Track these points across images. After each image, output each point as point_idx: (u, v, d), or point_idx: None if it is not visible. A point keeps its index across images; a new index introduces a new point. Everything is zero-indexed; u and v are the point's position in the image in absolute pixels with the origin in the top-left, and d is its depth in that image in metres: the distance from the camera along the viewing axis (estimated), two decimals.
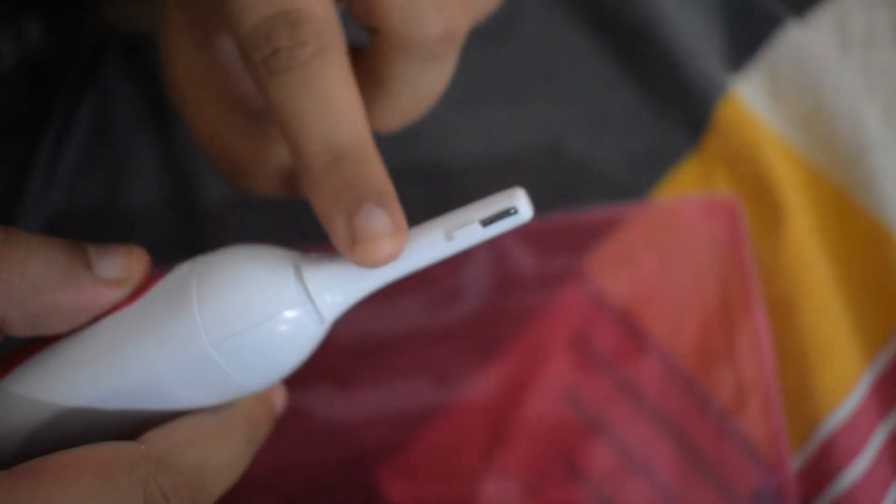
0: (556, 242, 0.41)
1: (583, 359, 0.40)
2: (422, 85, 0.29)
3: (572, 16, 0.44)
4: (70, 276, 0.25)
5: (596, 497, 0.39)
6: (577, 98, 0.43)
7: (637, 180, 0.42)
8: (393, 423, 0.40)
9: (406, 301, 0.41)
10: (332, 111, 0.25)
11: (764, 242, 0.41)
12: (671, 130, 0.43)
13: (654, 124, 0.43)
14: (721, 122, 0.42)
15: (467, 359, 0.40)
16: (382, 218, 0.24)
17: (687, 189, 0.42)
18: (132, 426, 0.26)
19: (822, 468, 0.38)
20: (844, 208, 0.41)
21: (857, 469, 0.37)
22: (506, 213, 0.25)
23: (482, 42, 0.41)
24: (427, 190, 0.42)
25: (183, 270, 0.26)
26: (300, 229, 0.42)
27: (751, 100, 0.42)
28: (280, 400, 0.29)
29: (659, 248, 0.41)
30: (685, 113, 0.42)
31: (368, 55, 0.29)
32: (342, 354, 0.40)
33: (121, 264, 0.26)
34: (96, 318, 0.26)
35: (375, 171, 0.25)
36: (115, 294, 0.26)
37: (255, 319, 0.25)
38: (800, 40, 0.42)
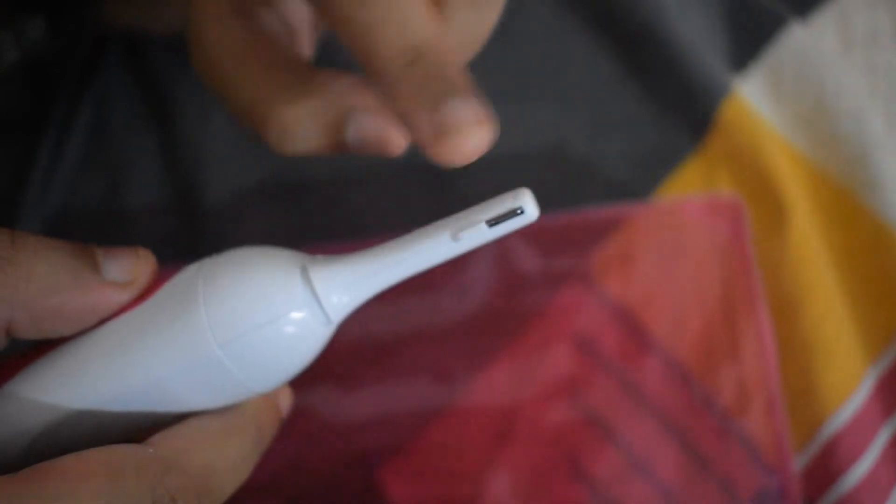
0: (559, 242, 0.41)
1: (586, 359, 0.40)
2: (470, 26, 0.29)
3: (575, 16, 0.44)
4: (77, 278, 0.25)
5: (599, 497, 0.39)
6: (581, 98, 0.43)
7: (640, 180, 0.42)
8: (395, 424, 0.40)
9: (409, 301, 0.41)
10: (404, 13, 0.25)
11: (767, 243, 0.41)
12: (674, 130, 0.43)
13: (656, 124, 0.43)
14: (724, 123, 0.42)
15: (470, 359, 0.40)
16: (468, 108, 0.24)
17: (690, 189, 0.42)
18: (139, 428, 0.26)
19: (825, 468, 0.38)
20: (847, 208, 0.41)
21: (861, 469, 0.37)
22: (512, 214, 0.25)
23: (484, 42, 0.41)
24: (429, 190, 0.42)
25: (189, 272, 0.26)
26: (301, 229, 0.42)
27: (753, 100, 0.42)
28: (286, 401, 0.29)
29: (662, 248, 0.41)
30: (688, 113, 0.42)
31: None
32: (345, 354, 0.40)
33: (127, 267, 0.26)
34: (103, 321, 0.26)
35: (454, 68, 0.25)
36: (122, 296, 0.26)
37: (262, 321, 0.25)
38: (802, 41, 0.42)
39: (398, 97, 0.25)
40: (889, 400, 0.39)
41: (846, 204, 0.41)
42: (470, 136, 0.24)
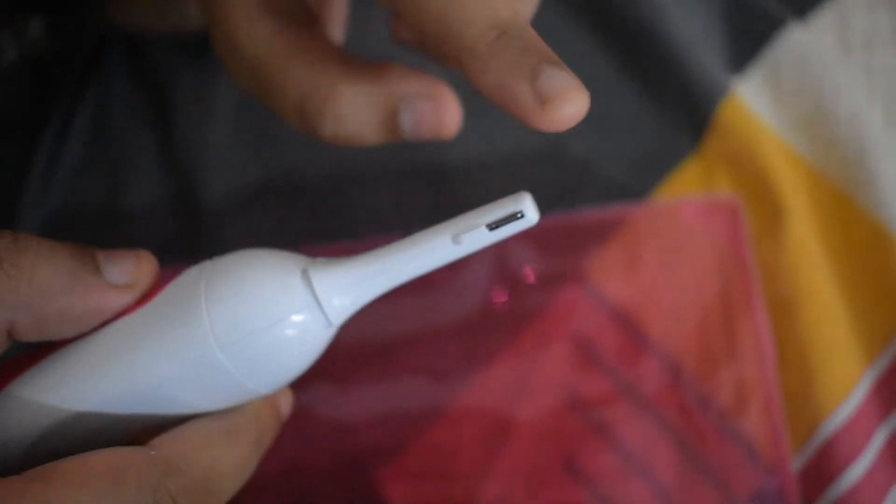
0: (558, 243, 0.41)
1: (583, 359, 0.40)
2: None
3: (574, 16, 0.44)
4: (79, 280, 0.25)
5: (596, 498, 0.39)
6: None
7: (638, 181, 0.42)
8: (393, 424, 0.40)
9: (407, 302, 0.41)
10: None
11: (765, 243, 0.41)
12: (672, 131, 0.43)
13: (655, 125, 0.43)
14: (722, 124, 0.42)
15: (468, 359, 0.40)
16: (566, 75, 0.24)
17: (688, 190, 0.42)
18: (140, 430, 0.26)
19: (822, 469, 0.38)
20: (845, 209, 0.41)
21: (858, 470, 0.38)
22: (513, 217, 0.25)
23: None
24: (430, 191, 0.42)
25: (191, 275, 0.26)
26: (301, 229, 0.42)
27: (752, 101, 0.42)
28: (287, 403, 0.29)
29: (660, 249, 0.41)
30: (686, 114, 0.43)
31: None
32: (342, 355, 0.40)
33: (129, 269, 0.26)
34: (104, 323, 0.26)
35: (540, 40, 0.25)
36: (124, 299, 0.26)
37: (264, 323, 0.25)
38: (801, 41, 0.42)
39: (490, 73, 0.25)
40: (887, 400, 0.39)
41: (844, 205, 0.41)
42: (572, 101, 0.24)
